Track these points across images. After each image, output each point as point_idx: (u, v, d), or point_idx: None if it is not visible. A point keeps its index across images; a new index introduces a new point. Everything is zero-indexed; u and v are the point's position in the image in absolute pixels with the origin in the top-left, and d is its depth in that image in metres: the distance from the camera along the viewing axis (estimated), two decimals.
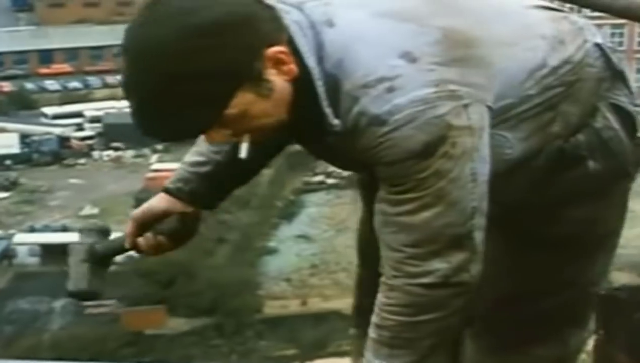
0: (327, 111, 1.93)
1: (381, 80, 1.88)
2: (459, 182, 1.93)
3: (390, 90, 1.87)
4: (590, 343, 2.24)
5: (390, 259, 2.00)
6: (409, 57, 1.90)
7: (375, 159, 1.94)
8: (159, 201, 2.29)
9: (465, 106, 1.91)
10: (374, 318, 2.05)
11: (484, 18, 2.07)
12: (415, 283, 1.97)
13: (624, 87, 2.25)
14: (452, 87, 1.90)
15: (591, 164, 2.18)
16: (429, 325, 2.01)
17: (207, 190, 2.29)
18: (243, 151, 1.92)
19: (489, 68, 1.99)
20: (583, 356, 2.39)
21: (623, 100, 2.23)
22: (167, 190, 2.30)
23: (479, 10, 2.09)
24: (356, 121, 1.91)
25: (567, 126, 2.15)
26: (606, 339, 2.17)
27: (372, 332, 2.06)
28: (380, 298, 2.03)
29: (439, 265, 1.97)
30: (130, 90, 1.87)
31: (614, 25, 61.38)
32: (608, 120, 2.20)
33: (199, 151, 2.29)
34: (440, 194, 1.94)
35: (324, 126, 1.94)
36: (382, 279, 2.03)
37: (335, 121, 1.92)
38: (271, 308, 36.44)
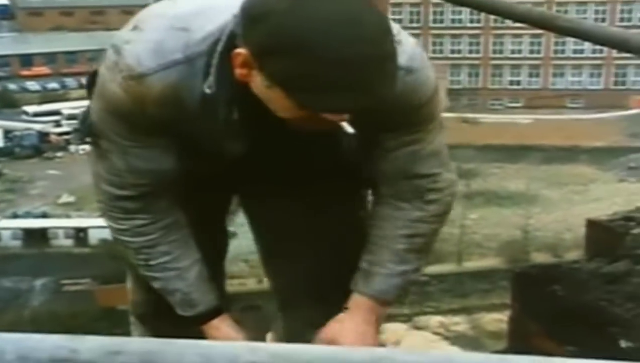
0: None
1: None
2: None
3: (399, 43, 1.82)
4: (507, 314, 2.27)
5: (421, 186, 2.07)
6: None
7: (414, 103, 1.92)
8: (226, 332, 2.13)
9: None
10: (400, 231, 2.09)
11: None
12: (449, 193, 2.10)
13: None
14: None
15: None
16: (441, 229, 2.17)
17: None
18: (349, 128, 1.76)
19: None
20: (502, 325, 2.42)
21: None
22: (207, 318, 2.14)
23: None
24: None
25: None
26: (521, 310, 2.19)
27: (395, 244, 2.09)
28: (412, 212, 2.08)
29: (452, 176, 2.12)
30: (354, 63, 1.64)
31: (533, 35, 62.03)
32: None
33: (181, 273, 2.11)
34: (441, 119, 2.07)
35: None
36: (410, 200, 2.08)
37: None
38: (231, 286, 36.20)
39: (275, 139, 1.91)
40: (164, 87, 1.82)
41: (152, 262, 2.09)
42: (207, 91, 1.80)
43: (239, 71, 1.74)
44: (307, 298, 2.33)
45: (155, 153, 1.95)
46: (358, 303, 2.14)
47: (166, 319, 2.20)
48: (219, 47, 1.79)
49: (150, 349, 0.98)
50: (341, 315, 2.13)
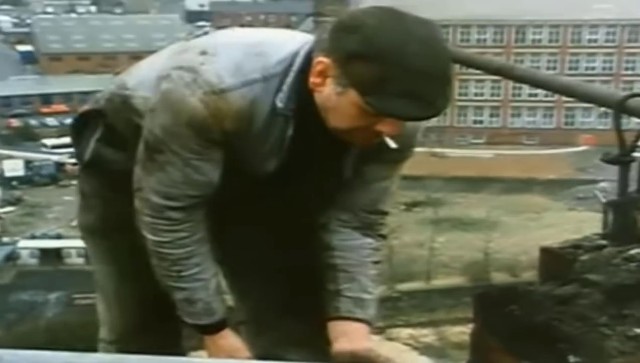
0: None
1: None
2: None
3: None
4: (469, 327, 2.25)
5: (377, 221, 2.06)
6: None
7: (418, 135, 2.02)
8: (233, 342, 2.05)
9: None
10: (369, 258, 2.05)
11: None
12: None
13: None
14: None
15: None
16: None
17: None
18: (392, 143, 1.81)
19: None
20: (465, 337, 2.39)
21: None
22: (221, 326, 2.04)
23: None
24: None
25: None
26: (481, 328, 2.17)
27: (368, 270, 2.05)
28: (373, 242, 2.06)
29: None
30: (439, 78, 1.73)
31: (494, 81, 62.33)
32: None
33: (202, 286, 2.00)
34: None
35: None
36: (369, 234, 2.06)
37: None
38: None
39: (304, 161, 1.92)
40: (243, 102, 1.82)
41: (184, 273, 1.98)
42: (279, 104, 1.83)
43: (313, 80, 1.79)
44: (284, 316, 2.22)
45: (211, 166, 1.90)
46: (356, 329, 2.02)
47: (136, 344, 2.16)
48: (295, 67, 1.84)
49: None
50: (345, 344, 1.98)
